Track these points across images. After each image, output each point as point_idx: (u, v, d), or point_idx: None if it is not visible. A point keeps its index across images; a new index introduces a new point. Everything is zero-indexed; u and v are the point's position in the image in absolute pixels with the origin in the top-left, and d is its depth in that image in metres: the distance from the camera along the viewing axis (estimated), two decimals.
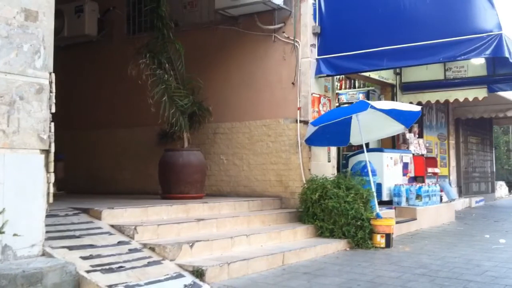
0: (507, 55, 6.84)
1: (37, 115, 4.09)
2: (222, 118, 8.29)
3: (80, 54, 9.93)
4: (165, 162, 7.16)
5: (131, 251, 4.64)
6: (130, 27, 9.71)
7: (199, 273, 4.47)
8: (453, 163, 13.81)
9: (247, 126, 8.15)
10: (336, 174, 7.93)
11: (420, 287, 4.64)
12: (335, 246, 6.39)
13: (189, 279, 4.38)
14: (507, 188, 17.82)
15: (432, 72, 10.70)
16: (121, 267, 4.23)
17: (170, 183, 7.04)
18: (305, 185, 7.14)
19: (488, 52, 6.86)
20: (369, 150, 8.21)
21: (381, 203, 8.08)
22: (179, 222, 5.49)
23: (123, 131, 9.27)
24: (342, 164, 9.27)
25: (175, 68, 7.43)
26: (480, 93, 10.62)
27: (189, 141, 7.45)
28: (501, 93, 11.79)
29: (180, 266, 4.57)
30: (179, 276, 4.39)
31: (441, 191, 10.15)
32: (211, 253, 5.05)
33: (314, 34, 7.92)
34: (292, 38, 7.83)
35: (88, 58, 9.92)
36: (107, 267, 4.16)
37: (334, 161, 8.24)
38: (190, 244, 4.89)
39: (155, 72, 7.21)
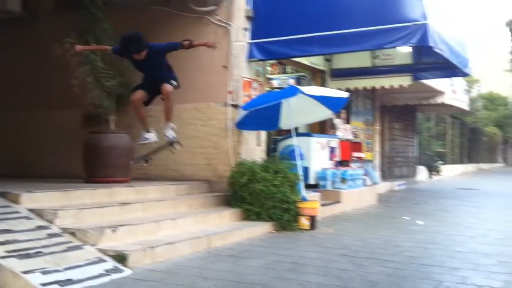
0: (432, 44, 7.16)
1: None
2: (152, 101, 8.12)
3: (2, 31, 9.38)
4: (89, 145, 6.97)
5: (50, 236, 4.50)
6: (57, 4, 9.28)
7: (121, 258, 4.41)
8: (377, 148, 14.32)
9: (177, 109, 7.98)
10: (265, 158, 8.04)
11: (341, 267, 4.81)
12: (261, 229, 6.49)
13: (110, 264, 4.32)
14: (428, 173, 18.69)
15: (360, 59, 10.97)
16: (39, 252, 4.10)
17: (94, 167, 6.87)
18: (234, 168, 7.19)
19: (413, 40, 7.15)
20: (298, 135, 8.37)
21: (308, 186, 8.27)
22: (103, 206, 5.39)
23: (47, 112, 8.90)
24: (271, 148, 9.39)
25: None
26: (405, 80, 11.05)
27: (116, 123, 7.29)
28: (425, 81, 12.35)
29: (102, 251, 4.49)
30: (100, 261, 4.32)
31: (365, 175, 10.53)
32: (135, 238, 4.98)
33: (247, 18, 7.93)
34: (225, 21, 7.79)
35: (10, 35, 9.39)
36: (23, 252, 4.02)
37: (263, 145, 8.35)
38: (113, 229, 4.80)
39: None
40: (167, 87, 6.08)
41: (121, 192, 6.14)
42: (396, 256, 5.41)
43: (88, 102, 7.03)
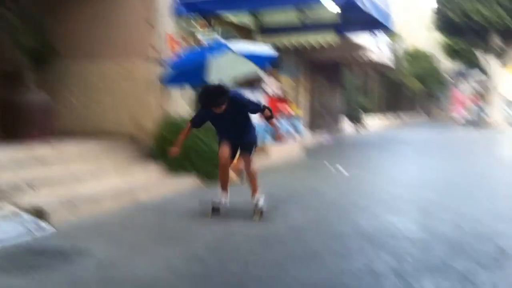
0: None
1: None
2: (73, 58, 7.82)
3: None
4: (5, 102, 6.63)
5: None
6: None
7: (41, 214, 4.32)
8: (305, 102, 14.60)
9: (100, 66, 7.81)
10: (192, 113, 8.00)
11: (264, 215, 4.96)
12: (188, 182, 6.51)
13: (30, 220, 4.22)
14: (354, 126, 19.30)
15: (288, 16, 11.01)
16: None
17: (11, 124, 6.55)
18: (160, 124, 7.12)
19: None
20: None
21: None
22: (20, 162, 5.20)
23: None
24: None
25: (17, 3, 6.81)
26: (331, 37, 11.23)
27: (34, 81, 6.98)
28: (351, 38, 12.63)
29: (20, 207, 4.37)
30: (19, 217, 4.21)
31: (293, 129, 10.74)
32: (55, 193, 4.87)
33: None
34: None
35: None
36: None
37: (190, 101, 8.29)
38: (31, 185, 4.68)
39: None
40: (249, 159, 5.12)
41: (40, 148, 5.88)
42: (320, 203, 5.67)
43: (3, 60, 6.66)
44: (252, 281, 3.24)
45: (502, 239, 4.15)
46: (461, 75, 31.35)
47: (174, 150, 5.05)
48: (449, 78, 32.70)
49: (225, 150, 4.99)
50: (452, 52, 26.14)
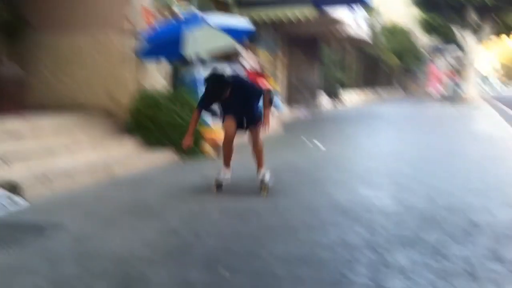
0: None
1: None
2: (46, 30, 7.63)
3: None
4: None
5: None
6: None
7: (15, 189, 4.26)
8: (283, 78, 14.57)
9: (74, 39, 7.63)
10: (170, 88, 7.93)
11: (240, 185, 5.04)
12: (164, 157, 6.49)
13: (3, 194, 4.17)
14: (332, 101, 19.38)
15: None
16: None
17: None
18: (136, 98, 7.04)
19: None
20: (202, 64, 8.27)
21: (215, 115, 8.29)
22: None
23: None
24: (178, 79, 9.24)
25: None
26: (309, 11, 11.19)
27: (6, 54, 6.81)
28: (329, 13, 12.59)
29: None
30: None
31: None
32: (29, 168, 4.82)
33: None
34: None
35: None
36: None
37: (167, 75, 8.20)
38: (5, 159, 4.60)
39: None
40: (257, 132, 5.11)
41: (12, 122, 5.75)
42: (296, 177, 5.70)
43: None
44: (228, 254, 3.26)
45: (474, 213, 4.24)
46: (438, 50, 31.58)
47: (187, 141, 4.91)
48: (426, 53, 32.92)
49: (231, 124, 4.91)
50: (429, 28, 26.28)
